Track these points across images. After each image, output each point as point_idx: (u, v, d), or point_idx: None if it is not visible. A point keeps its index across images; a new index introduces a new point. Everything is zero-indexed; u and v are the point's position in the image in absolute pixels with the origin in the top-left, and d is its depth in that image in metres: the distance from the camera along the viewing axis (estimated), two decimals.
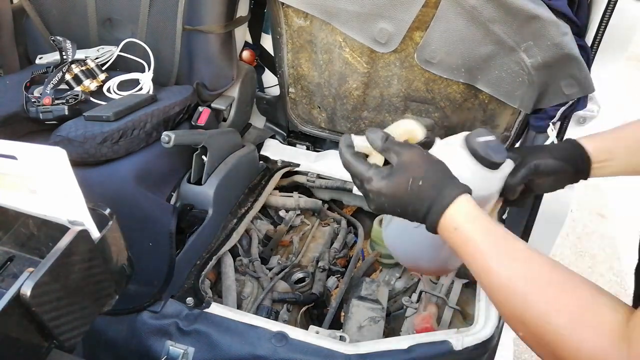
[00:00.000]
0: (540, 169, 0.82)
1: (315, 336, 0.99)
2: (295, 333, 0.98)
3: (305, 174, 1.47)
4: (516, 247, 0.61)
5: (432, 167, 0.68)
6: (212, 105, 1.37)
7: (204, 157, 1.18)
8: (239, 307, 1.15)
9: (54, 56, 1.27)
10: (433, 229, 0.66)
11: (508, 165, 0.79)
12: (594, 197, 2.88)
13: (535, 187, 0.85)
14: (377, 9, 1.07)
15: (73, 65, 1.21)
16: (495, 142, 0.77)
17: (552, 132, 1.11)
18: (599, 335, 0.50)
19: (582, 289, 0.54)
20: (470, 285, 1.17)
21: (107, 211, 0.66)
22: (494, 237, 0.62)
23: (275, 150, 1.51)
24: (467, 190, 0.66)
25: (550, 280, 0.56)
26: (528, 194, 0.86)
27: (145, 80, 1.27)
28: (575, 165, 0.83)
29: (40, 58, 1.31)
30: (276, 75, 1.43)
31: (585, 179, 0.85)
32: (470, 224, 0.63)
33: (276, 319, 1.14)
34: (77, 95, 1.16)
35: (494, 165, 0.76)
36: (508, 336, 1.04)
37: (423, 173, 0.67)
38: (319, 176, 1.46)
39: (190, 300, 1.02)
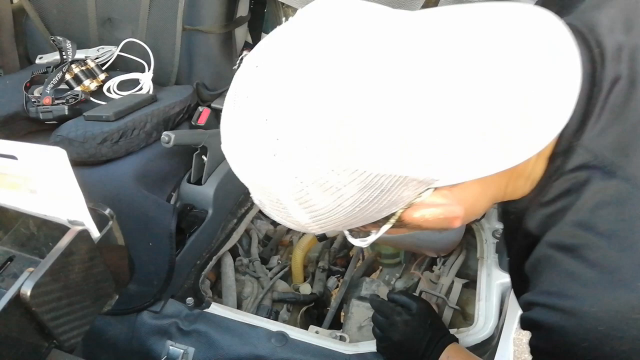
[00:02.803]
0: None
1: (315, 336, 0.99)
2: (295, 333, 0.98)
3: None
4: None
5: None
6: (212, 105, 1.37)
7: (204, 157, 1.18)
8: (239, 307, 1.15)
9: (54, 56, 1.27)
10: None
11: None
12: None
13: None
14: None
15: (73, 65, 1.21)
16: None
17: None
18: None
19: None
20: (470, 285, 1.17)
21: (107, 211, 0.66)
22: None
23: None
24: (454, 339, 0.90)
25: None
26: None
27: (145, 80, 1.27)
28: None
29: (40, 58, 1.31)
30: None
31: None
32: None
33: (276, 319, 1.14)
34: (77, 95, 1.16)
35: None
36: (508, 336, 1.04)
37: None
38: None
39: (190, 300, 1.02)
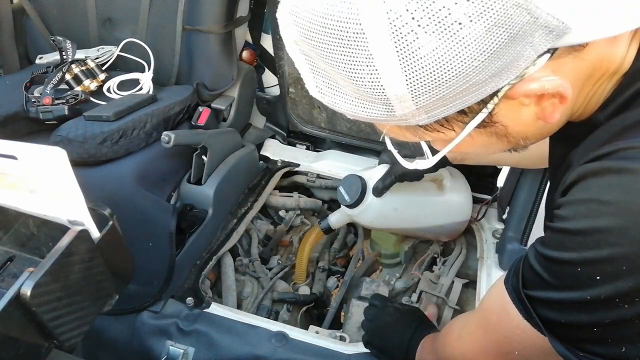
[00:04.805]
0: (406, 177, 1.05)
1: (315, 336, 1.00)
2: (295, 333, 0.98)
3: (305, 174, 1.47)
4: None
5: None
6: (212, 105, 1.37)
7: (204, 157, 1.18)
8: (239, 307, 1.15)
9: (54, 56, 1.27)
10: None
11: (378, 173, 1.04)
12: None
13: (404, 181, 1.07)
14: None
15: (73, 65, 1.21)
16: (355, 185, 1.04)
17: None
18: None
19: None
20: (470, 285, 1.17)
21: (107, 211, 0.66)
22: None
23: (275, 150, 1.51)
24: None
25: None
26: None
27: (145, 80, 1.27)
28: (436, 166, 1.01)
29: (40, 58, 1.31)
30: (276, 75, 1.43)
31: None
32: None
33: (276, 319, 1.14)
34: (77, 95, 1.16)
35: (349, 207, 1.05)
36: None
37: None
38: (319, 176, 1.46)
39: (190, 300, 1.02)
